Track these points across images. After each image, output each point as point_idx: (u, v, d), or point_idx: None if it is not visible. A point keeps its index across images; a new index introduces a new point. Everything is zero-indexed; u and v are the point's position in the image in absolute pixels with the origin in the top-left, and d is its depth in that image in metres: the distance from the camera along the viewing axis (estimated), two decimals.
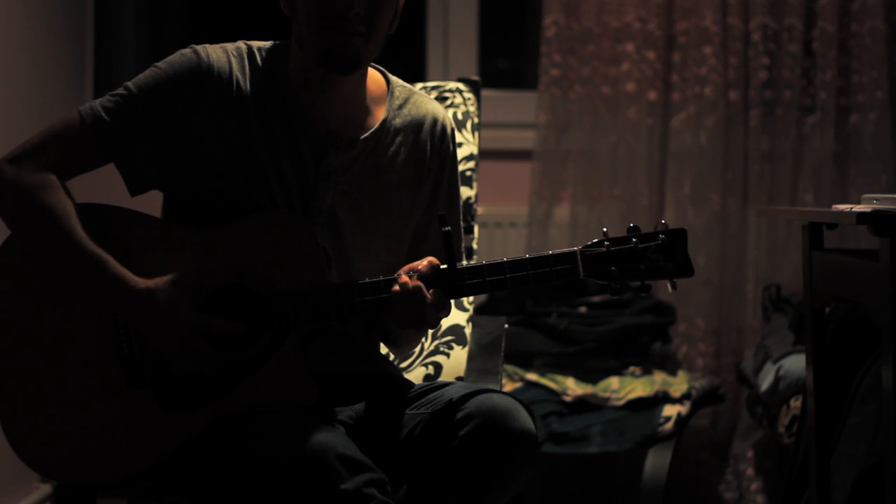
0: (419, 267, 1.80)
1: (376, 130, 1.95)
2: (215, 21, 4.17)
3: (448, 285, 1.79)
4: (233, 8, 4.19)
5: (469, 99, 2.63)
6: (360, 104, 1.94)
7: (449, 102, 2.61)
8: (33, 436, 1.84)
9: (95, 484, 1.87)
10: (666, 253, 1.79)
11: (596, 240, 1.80)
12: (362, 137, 1.93)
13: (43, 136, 1.88)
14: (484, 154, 2.74)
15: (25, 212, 1.83)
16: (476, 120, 2.63)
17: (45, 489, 3.27)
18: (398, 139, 1.97)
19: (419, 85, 2.51)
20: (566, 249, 1.80)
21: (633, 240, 1.80)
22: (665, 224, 1.81)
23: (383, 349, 2.11)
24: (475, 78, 2.70)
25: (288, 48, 1.93)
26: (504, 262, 1.81)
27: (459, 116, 2.60)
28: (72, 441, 1.83)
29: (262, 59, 1.92)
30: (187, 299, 1.78)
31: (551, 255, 1.80)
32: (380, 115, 1.97)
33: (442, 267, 1.80)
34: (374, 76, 1.98)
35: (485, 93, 2.80)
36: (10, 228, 1.87)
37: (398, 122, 1.98)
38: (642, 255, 1.79)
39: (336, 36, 1.82)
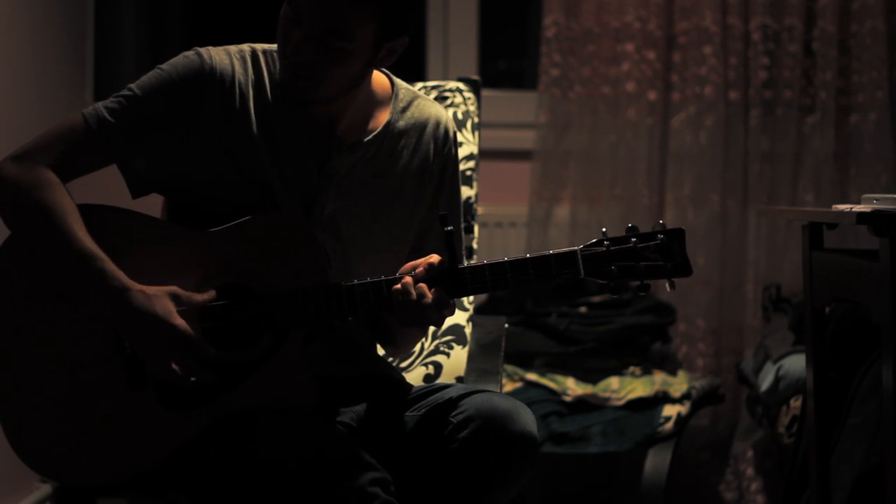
0: (420, 266, 1.80)
1: (380, 133, 1.95)
2: (215, 21, 4.17)
3: (449, 284, 1.80)
4: (233, 8, 4.18)
5: (469, 98, 2.63)
6: (363, 107, 1.94)
7: (449, 102, 2.60)
8: (33, 435, 1.84)
9: (96, 484, 1.87)
10: (664, 252, 1.80)
11: (595, 240, 1.81)
12: (366, 140, 1.93)
13: (46, 136, 1.87)
14: (484, 154, 2.73)
15: (25, 209, 1.83)
16: (476, 120, 2.62)
17: (45, 489, 3.27)
18: (401, 142, 1.97)
19: (419, 85, 2.51)
20: (566, 249, 1.80)
21: (633, 239, 1.80)
22: (663, 224, 1.82)
23: (380, 350, 2.10)
24: (475, 77, 2.70)
25: None
26: (505, 262, 1.81)
27: (459, 116, 2.60)
28: (72, 441, 1.83)
29: (266, 62, 1.92)
30: (180, 312, 1.77)
31: (552, 254, 1.80)
32: (383, 117, 1.96)
33: (443, 266, 1.80)
34: (378, 78, 1.97)
35: (485, 93, 2.80)
36: (8, 227, 1.87)
37: (402, 124, 1.97)
38: (641, 254, 1.80)
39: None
